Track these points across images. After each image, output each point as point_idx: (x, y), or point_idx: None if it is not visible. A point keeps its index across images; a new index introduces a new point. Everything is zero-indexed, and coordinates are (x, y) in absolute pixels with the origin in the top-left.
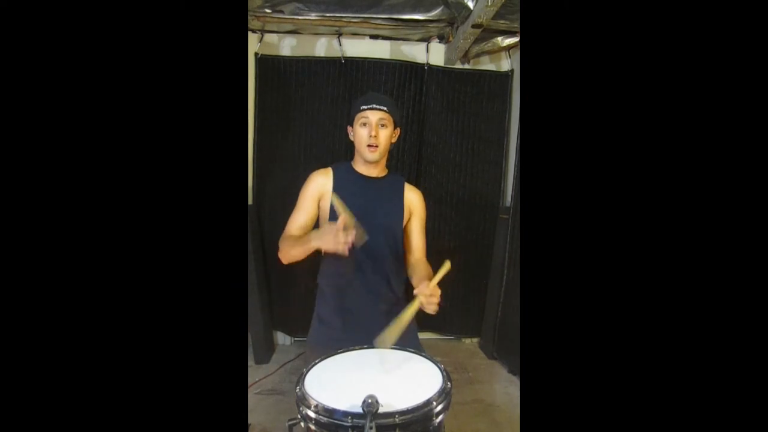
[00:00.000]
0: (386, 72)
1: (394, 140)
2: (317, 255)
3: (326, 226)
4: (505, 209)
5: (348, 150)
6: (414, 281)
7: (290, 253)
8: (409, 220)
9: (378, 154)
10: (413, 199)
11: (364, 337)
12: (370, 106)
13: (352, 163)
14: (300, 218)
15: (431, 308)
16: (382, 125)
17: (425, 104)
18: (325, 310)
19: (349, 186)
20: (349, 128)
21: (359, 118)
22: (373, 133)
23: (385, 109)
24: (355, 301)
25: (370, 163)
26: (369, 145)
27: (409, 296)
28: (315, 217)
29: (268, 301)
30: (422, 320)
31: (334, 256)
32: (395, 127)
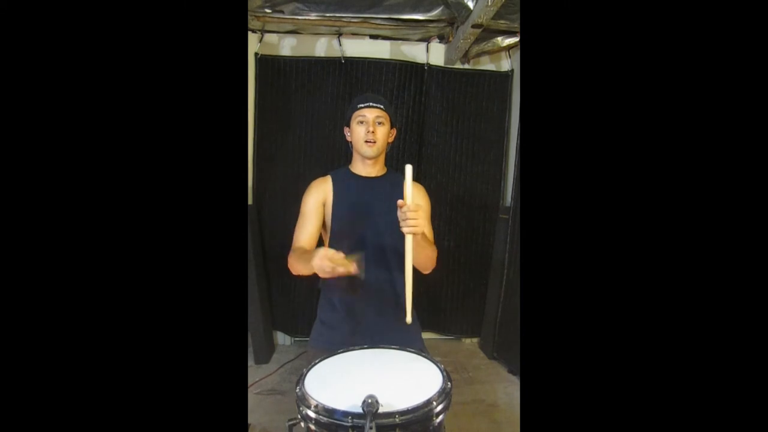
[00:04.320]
0: (386, 72)
1: (391, 140)
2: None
3: (320, 250)
4: (505, 209)
5: (348, 150)
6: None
7: (297, 267)
8: None
9: (376, 149)
10: (414, 193)
11: (368, 340)
12: (367, 104)
13: (350, 166)
14: (306, 229)
15: (408, 228)
16: (380, 123)
17: (425, 104)
18: (328, 313)
19: (348, 189)
20: (346, 129)
21: (356, 116)
22: (370, 129)
23: (381, 107)
24: (359, 304)
25: (368, 159)
26: (366, 141)
27: (415, 296)
28: (320, 226)
29: (268, 301)
30: (423, 320)
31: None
32: (392, 127)
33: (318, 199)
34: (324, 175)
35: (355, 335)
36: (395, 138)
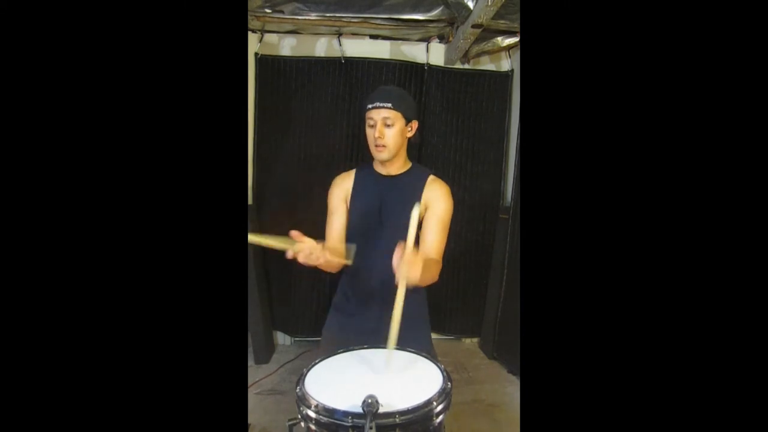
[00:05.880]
0: (386, 72)
1: (410, 134)
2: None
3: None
4: (505, 209)
5: (348, 149)
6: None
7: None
8: (425, 215)
9: (387, 153)
10: (432, 194)
11: (377, 331)
12: (374, 104)
13: (373, 162)
14: (334, 224)
15: (412, 277)
16: (388, 125)
17: (425, 104)
18: (343, 302)
19: (366, 186)
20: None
21: (366, 119)
22: (377, 134)
23: (389, 105)
24: (370, 297)
25: (382, 162)
26: (376, 146)
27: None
28: (345, 221)
29: (268, 301)
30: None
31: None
32: (408, 122)
33: (340, 194)
34: (331, 171)
35: (365, 324)
36: (415, 131)
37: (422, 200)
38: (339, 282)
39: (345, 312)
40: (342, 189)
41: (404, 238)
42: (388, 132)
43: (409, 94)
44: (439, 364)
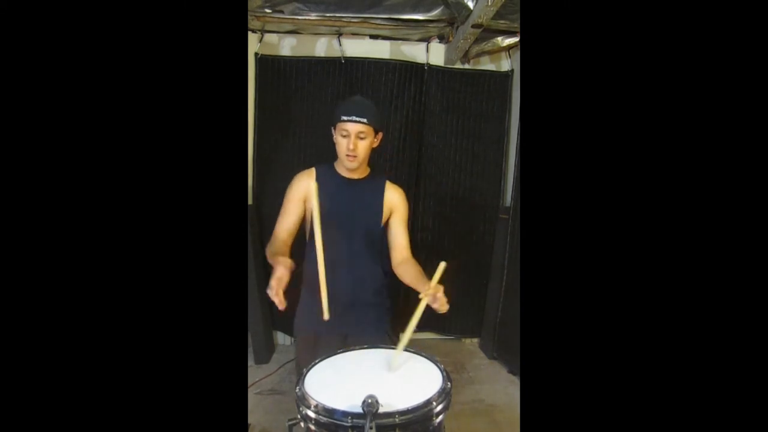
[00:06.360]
0: (386, 72)
1: (376, 145)
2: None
3: (277, 273)
4: (505, 209)
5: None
6: (409, 283)
7: (270, 261)
8: (390, 217)
9: (357, 163)
10: (393, 197)
11: (344, 322)
12: (350, 118)
13: (335, 164)
14: (286, 221)
15: (442, 308)
16: (361, 138)
17: (425, 104)
18: (307, 297)
19: (330, 188)
20: (333, 129)
21: (339, 128)
22: (351, 146)
23: (364, 121)
24: (338, 302)
25: (350, 169)
26: (347, 155)
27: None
28: (301, 219)
29: (268, 301)
30: (422, 320)
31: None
32: (377, 134)
33: (300, 194)
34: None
35: (336, 328)
36: (381, 142)
37: (385, 204)
38: (305, 281)
39: (311, 309)
40: (302, 189)
41: (372, 240)
42: (360, 144)
43: (375, 106)
44: (438, 364)
